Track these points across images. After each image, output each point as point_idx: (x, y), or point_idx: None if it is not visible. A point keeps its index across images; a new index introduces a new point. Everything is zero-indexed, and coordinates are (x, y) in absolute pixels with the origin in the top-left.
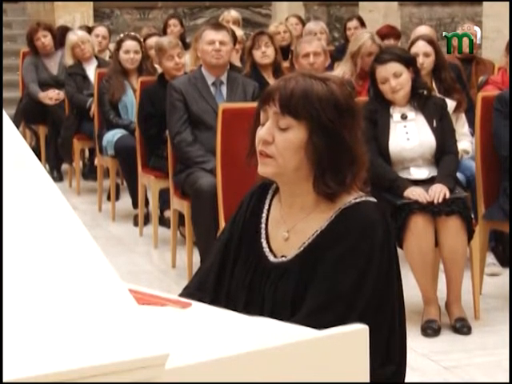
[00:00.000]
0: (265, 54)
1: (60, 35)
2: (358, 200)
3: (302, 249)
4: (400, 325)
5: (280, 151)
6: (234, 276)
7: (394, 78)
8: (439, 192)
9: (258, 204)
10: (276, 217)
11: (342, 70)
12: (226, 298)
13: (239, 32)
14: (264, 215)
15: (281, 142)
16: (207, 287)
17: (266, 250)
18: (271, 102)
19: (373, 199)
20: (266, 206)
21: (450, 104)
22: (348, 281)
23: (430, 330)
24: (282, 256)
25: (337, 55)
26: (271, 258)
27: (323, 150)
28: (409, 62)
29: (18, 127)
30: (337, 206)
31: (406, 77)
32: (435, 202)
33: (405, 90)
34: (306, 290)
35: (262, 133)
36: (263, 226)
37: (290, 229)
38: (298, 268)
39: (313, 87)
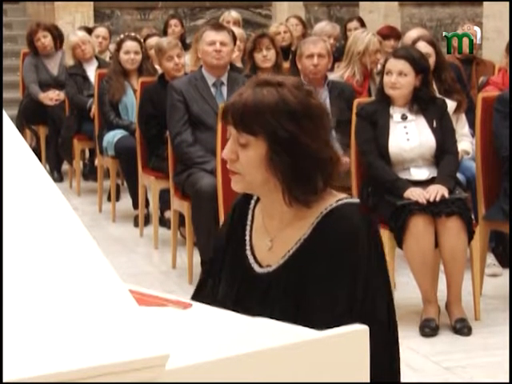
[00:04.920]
0: (266, 57)
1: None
2: (339, 203)
3: (286, 258)
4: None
5: (244, 168)
6: (221, 288)
7: (397, 75)
8: (436, 191)
9: (240, 215)
10: (259, 227)
11: (345, 71)
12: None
13: (240, 31)
14: (248, 226)
15: (243, 159)
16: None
17: (251, 260)
18: (228, 120)
19: (354, 200)
20: (250, 217)
21: (451, 104)
22: (343, 292)
23: (428, 328)
24: (267, 265)
25: (337, 56)
26: (256, 268)
27: (285, 164)
28: (420, 68)
29: (20, 128)
30: (317, 210)
31: (409, 80)
32: (431, 200)
33: (402, 92)
34: (295, 301)
35: (224, 152)
36: (247, 237)
37: (273, 238)
38: (283, 278)
39: (264, 99)
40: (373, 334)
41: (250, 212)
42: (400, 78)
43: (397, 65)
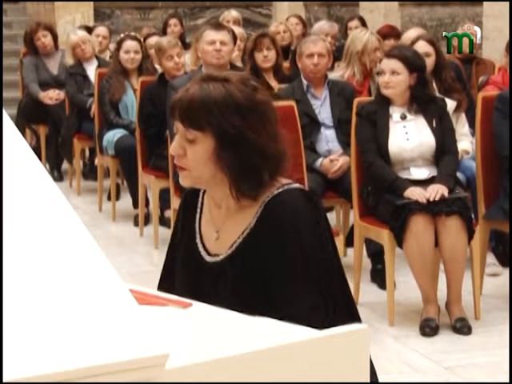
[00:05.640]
0: (266, 57)
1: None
2: (279, 190)
3: (233, 248)
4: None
5: (192, 164)
6: (177, 276)
7: (390, 75)
8: (436, 191)
9: (191, 204)
10: (207, 216)
11: (346, 70)
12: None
13: (240, 30)
14: (197, 214)
15: (191, 155)
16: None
17: (201, 249)
18: (174, 116)
19: (296, 185)
20: (199, 205)
21: (450, 104)
22: (291, 278)
23: (428, 328)
24: (215, 255)
25: (337, 55)
26: (206, 257)
27: (232, 159)
28: (414, 67)
29: (20, 128)
30: (260, 200)
31: (402, 78)
32: (431, 199)
33: (396, 91)
34: (244, 291)
35: (172, 147)
36: (197, 225)
37: (219, 228)
38: (232, 267)
39: (210, 94)
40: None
41: (200, 200)
42: (392, 77)
43: (389, 64)
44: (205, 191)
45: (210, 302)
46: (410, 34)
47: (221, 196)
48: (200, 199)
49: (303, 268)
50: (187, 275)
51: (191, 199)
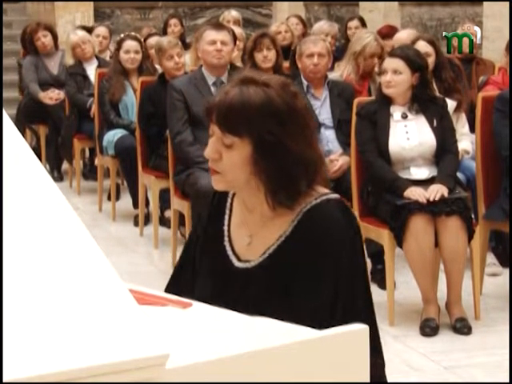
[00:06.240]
0: (266, 58)
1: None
2: (318, 200)
3: (266, 255)
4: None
5: (227, 168)
6: (199, 278)
7: (392, 74)
8: (436, 191)
9: (219, 203)
10: (238, 220)
11: (343, 69)
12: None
13: (239, 30)
14: (226, 216)
15: (227, 159)
16: (188, 288)
17: (230, 252)
18: (211, 119)
19: (334, 196)
20: (228, 206)
21: (451, 104)
22: (326, 290)
23: (428, 328)
24: (246, 260)
25: (337, 55)
26: (235, 261)
27: (270, 167)
28: (416, 67)
29: (20, 128)
30: (297, 208)
31: (404, 78)
32: (431, 199)
33: (398, 90)
34: (275, 298)
35: (207, 151)
36: (226, 227)
37: (253, 234)
38: (263, 274)
39: (250, 99)
40: None
41: (229, 201)
42: (395, 77)
43: (391, 63)
44: (234, 193)
45: (236, 307)
46: (402, 36)
47: (254, 202)
48: (229, 200)
49: (333, 284)
50: (211, 278)
51: (219, 200)
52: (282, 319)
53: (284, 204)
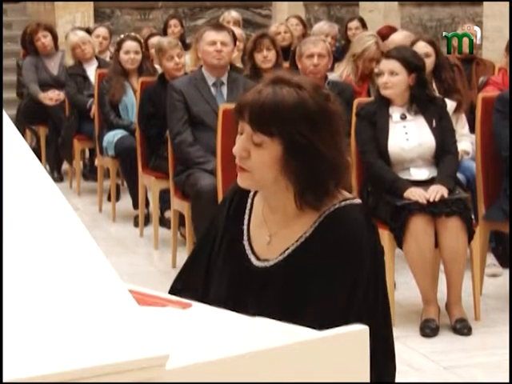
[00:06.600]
0: (266, 58)
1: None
2: (342, 204)
3: (285, 255)
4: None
5: (256, 166)
6: (216, 276)
7: (388, 75)
8: (436, 192)
9: (239, 203)
10: (258, 219)
11: (343, 70)
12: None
13: (239, 31)
14: (246, 216)
15: (256, 158)
16: (196, 287)
17: (249, 251)
18: (243, 117)
19: (357, 201)
20: (248, 206)
21: (451, 104)
22: (342, 293)
23: (428, 329)
24: (265, 260)
25: (337, 56)
26: (254, 260)
27: (299, 168)
28: (413, 67)
29: (20, 128)
30: (322, 209)
31: (400, 78)
32: (431, 200)
33: (395, 91)
34: (293, 299)
35: (236, 148)
36: (245, 226)
37: (273, 233)
38: (282, 274)
39: (284, 100)
40: (371, 335)
41: (250, 201)
42: (391, 78)
43: (387, 64)
44: (255, 193)
45: (253, 306)
46: (397, 37)
47: (279, 201)
48: (250, 200)
49: (350, 288)
50: (228, 277)
51: (239, 200)
52: (298, 319)
53: (311, 205)
